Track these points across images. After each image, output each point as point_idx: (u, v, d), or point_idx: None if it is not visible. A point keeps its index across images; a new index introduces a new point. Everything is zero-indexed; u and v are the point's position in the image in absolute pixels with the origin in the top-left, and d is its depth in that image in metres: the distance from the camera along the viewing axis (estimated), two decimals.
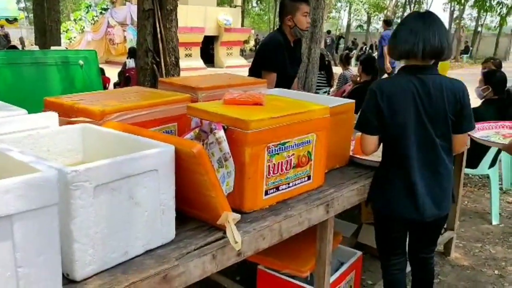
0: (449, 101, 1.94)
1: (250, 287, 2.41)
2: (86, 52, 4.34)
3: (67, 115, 1.69)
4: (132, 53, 7.79)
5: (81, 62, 3.90)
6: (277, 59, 3.04)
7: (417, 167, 1.96)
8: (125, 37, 17.32)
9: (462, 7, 25.50)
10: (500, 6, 15.50)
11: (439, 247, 3.15)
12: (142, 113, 1.78)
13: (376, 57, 8.20)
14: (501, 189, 4.51)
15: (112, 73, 9.34)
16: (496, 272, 3.02)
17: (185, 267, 1.32)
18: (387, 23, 10.50)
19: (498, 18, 16.29)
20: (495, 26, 23.50)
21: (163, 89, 2.27)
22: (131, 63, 7.92)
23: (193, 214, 1.56)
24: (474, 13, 25.69)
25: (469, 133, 2.34)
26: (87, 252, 1.17)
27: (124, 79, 8.00)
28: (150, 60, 4.44)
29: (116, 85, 8.49)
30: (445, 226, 3.22)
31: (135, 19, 4.84)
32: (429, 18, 1.95)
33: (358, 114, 2.06)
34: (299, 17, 3.03)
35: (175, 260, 1.31)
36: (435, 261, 3.08)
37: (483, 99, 4.04)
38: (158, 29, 4.40)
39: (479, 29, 28.82)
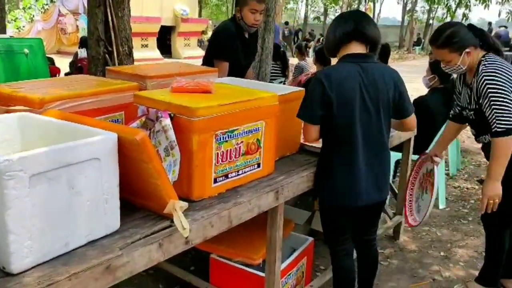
0: (390, 87, 2.00)
1: (204, 277, 2.41)
2: (31, 40, 4.17)
3: (6, 103, 1.62)
4: (84, 42, 7.53)
5: (26, 50, 3.72)
6: (228, 48, 3.01)
7: (362, 154, 2.00)
8: (77, 26, 16.71)
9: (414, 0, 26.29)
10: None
11: (388, 231, 3.27)
12: (86, 101, 1.73)
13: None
14: (447, 174, 4.71)
15: (64, 64, 9.01)
16: (441, 253, 3.16)
17: (130, 256, 1.30)
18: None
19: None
20: (443, 18, 24.43)
21: (111, 78, 2.21)
22: (83, 53, 7.65)
23: (139, 203, 1.53)
24: (427, 6, 26.53)
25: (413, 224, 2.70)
26: (24, 244, 1.13)
27: (76, 70, 7.74)
28: (102, 50, 4.30)
29: (67, 75, 8.21)
30: (394, 211, 3.34)
31: None
32: (362, 12, 2.08)
33: (301, 102, 2.03)
34: (246, 11, 3.02)
35: (119, 250, 1.29)
36: (385, 245, 3.20)
37: (430, 88, 4.19)
38: (109, 18, 4.27)
39: (431, 21, 29.80)
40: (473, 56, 2.29)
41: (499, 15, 14.75)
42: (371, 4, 26.23)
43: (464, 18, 16.12)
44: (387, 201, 3.53)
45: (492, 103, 2.15)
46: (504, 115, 2.11)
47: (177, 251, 1.47)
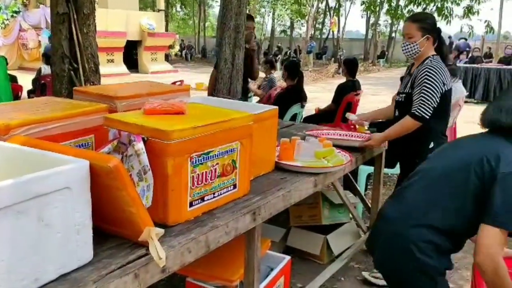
0: None
1: None
2: None
3: None
4: (47, 58, 7.33)
5: None
6: None
7: None
8: (39, 41, 16.34)
9: (376, 14, 27.01)
10: (410, 14, 16.63)
11: (363, 245, 3.27)
12: (54, 125, 1.66)
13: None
14: None
15: (27, 80, 8.73)
16: None
17: None
18: None
19: None
20: None
21: (78, 99, 2.14)
22: (46, 69, 7.45)
23: (114, 231, 1.47)
24: (389, 19, 27.31)
25: None
26: None
27: (40, 87, 7.51)
28: (67, 67, 4.18)
29: (30, 93, 7.94)
30: (367, 225, 3.36)
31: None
32: None
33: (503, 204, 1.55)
34: None
35: (93, 283, 1.23)
36: (360, 259, 3.20)
37: None
38: (74, 34, 4.18)
39: (393, 35, 30.67)
40: (427, 47, 2.72)
41: (461, 30, 15.47)
42: (335, 18, 26.81)
43: None
44: (360, 215, 3.56)
45: (422, 91, 2.61)
46: (426, 106, 2.60)
47: (153, 281, 1.41)
